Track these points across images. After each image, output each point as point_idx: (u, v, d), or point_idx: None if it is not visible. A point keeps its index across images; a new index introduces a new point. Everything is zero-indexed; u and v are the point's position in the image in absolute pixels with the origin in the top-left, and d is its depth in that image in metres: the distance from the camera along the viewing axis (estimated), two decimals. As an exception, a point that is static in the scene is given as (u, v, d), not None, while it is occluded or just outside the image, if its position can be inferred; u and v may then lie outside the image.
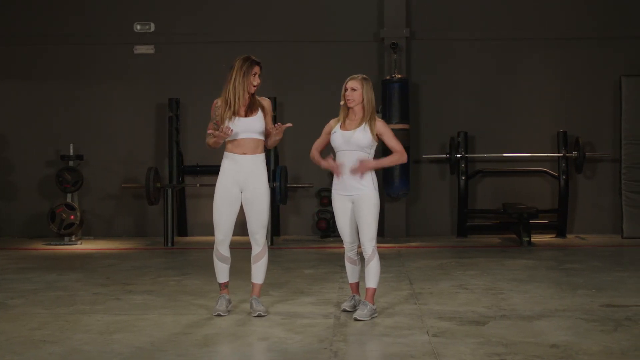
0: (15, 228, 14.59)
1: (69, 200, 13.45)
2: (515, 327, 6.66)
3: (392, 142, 7.18)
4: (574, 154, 13.75)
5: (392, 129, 12.94)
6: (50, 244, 13.21)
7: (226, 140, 7.10)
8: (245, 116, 7.07)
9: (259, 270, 7.28)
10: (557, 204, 13.89)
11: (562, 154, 13.76)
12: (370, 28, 14.46)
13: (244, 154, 7.09)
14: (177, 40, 14.57)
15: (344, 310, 7.36)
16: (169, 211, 13.22)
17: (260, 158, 7.18)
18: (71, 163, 13.61)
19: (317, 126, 13.72)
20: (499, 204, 14.03)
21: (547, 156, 14.18)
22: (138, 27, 14.66)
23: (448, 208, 14.47)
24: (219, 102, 7.12)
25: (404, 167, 13.39)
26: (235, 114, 7.04)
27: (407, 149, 13.29)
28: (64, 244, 13.18)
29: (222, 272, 7.32)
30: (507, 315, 7.18)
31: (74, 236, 13.44)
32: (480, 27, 14.49)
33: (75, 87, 14.62)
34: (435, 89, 14.47)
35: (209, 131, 7.13)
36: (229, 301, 7.38)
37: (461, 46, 14.53)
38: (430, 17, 14.50)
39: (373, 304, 7.10)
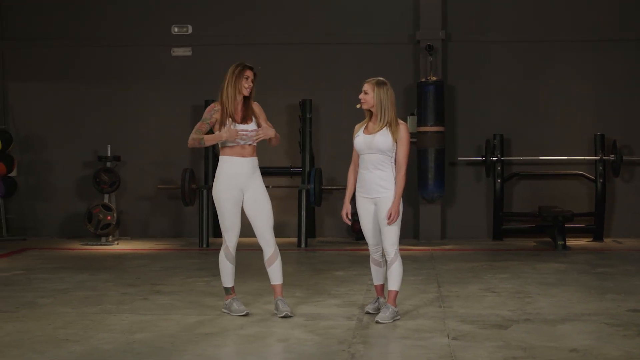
0: (53, 228, 14.79)
1: (105, 200, 13.60)
2: (537, 331, 6.61)
3: (401, 154, 7.03)
4: (611, 157, 13.56)
5: (428, 132, 13.25)
6: (87, 244, 13.37)
7: (220, 145, 7.26)
8: (242, 123, 7.22)
9: (275, 272, 7.34)
10: (594, 207, 13.73)
11: (599, 157, 13.60)
12: (406, 30, 14.43)
13: (243, 156, 7.24)
14: (213, 42, 14.65)
15: (367, 313, 7.37)
16: (204, 212, 13.33)
17: (256, 161, 7.37)
18: (108, 164, 13.76)
19: (352, 128, 13.86)
20: (535, 207, 13.88)
21: (584, 159, 14.02)
22: (176, 30, 14.79)
23: (484, 211, 14.38)
24: (217, 106, 7.24)
25: (439, 170, 13.36)
26: (231, 118, 7.17)
27: (442, 151, 13.44)
28: (100, 245, 13.33)
29: (232, 274, 7.41)
30: (531, 319, 7.12)
31: (110, 236, 13.58)
32: (515, 30, 14.39)
33: (112, 89, 14.79)
34: (470, 91, 14.40)
35: (201, 127, 7.19)
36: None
37: (497, 48, 14.44)
38: (466, 20, 14.44)
39: (395, 307, 7.11)
